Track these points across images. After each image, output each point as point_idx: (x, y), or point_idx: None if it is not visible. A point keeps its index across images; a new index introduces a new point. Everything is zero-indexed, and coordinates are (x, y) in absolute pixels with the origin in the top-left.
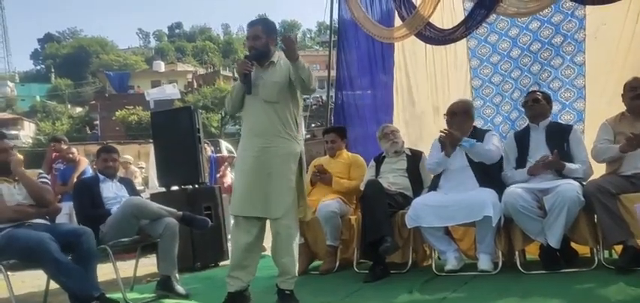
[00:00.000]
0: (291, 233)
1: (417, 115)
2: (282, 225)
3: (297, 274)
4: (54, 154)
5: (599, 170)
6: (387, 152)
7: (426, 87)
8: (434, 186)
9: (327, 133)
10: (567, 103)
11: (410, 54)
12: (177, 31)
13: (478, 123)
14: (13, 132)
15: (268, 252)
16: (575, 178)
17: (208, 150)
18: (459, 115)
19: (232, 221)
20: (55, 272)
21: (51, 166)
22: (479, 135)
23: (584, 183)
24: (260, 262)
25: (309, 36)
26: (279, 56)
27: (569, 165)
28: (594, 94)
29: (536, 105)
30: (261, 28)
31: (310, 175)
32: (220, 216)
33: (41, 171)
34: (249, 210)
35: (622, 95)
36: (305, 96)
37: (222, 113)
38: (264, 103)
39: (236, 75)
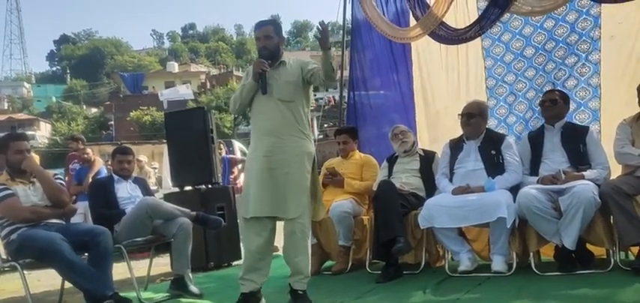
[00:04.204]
0: (306, 233)
1: (433, 115)
2: (297, 224)
3: (309, 274)
4: (70, 154)
5: (615, 171)
6: (398, 152)
7: (441, 87)
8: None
9: (339, 134)
10: (582, 102)
11: (426, 54)
12: (190, 32)
13: (492, 123)
14: (30, 133)
15: (280, 252)
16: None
17: (224, 150)
18: (476, 116)
19: (240, 223)
20: (67, 272)
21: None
22: (494, 138)
23: (600, 184)
24: (272, 262)
25: None
26: (287, 56)
27: (588, 174)
28: (610, 93)
29: (554, 106)
30: (273, 28)
31: (322, 177)
32: (233, 216)
33: (56, 172)
34: (265, 210)
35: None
36: (318, 96)
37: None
38: (279, 102)
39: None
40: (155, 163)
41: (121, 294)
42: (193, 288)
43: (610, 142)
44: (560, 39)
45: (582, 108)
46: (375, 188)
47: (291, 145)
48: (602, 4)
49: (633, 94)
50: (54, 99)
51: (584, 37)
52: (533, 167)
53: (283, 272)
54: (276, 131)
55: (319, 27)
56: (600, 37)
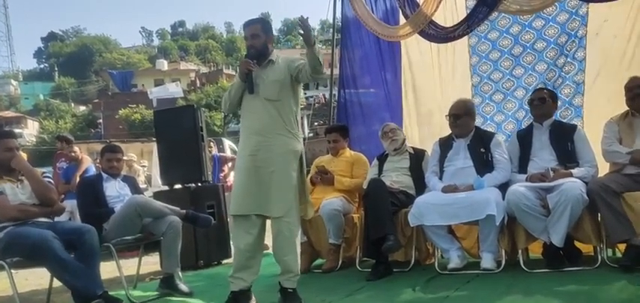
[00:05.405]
0: (294, 231)
1: (423, 114)
2: (284, 223)
3: (299, 272)
4: (57, 152)
5: (603, 168)
6: (388, 151)
7: (430, 86)
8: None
9: (329, 133)
10: (567, 99)
11: (415, 53)
12: (180, 29)
13: (478, 121)
14: (17, 131)
15: (270, 250)
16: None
17: (214, 149)
18: (462, 116)
19: (231, 221)
20: (58, 270)
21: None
22: (483, 136)
23: (588, 181)
24: (262, 260)
25: None
26: (277, 55)
27: (576, 172)
28: (593, 90)
29: (543, 105)
30: (260, 26)
31: (311, 174)
32: (223, 214)
33: (44, 171)
34: (250, 208)
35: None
36: (308, 94)
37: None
38: (265, 102)
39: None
40: (144, 162)
41: (111, 293)
42: (183, 286)
43: (592, 139)
44: (551, 40)
45: (566, 105)
46: (365, 186)
47: (276, 143)
48: (590, 4)
49: (616, 91)
50: (42, 97)
51: (572, 38)
52: (522, 165)
53: (273, 270)
54: (262, 130)
55: (300, 23)
56: (586, 34)
